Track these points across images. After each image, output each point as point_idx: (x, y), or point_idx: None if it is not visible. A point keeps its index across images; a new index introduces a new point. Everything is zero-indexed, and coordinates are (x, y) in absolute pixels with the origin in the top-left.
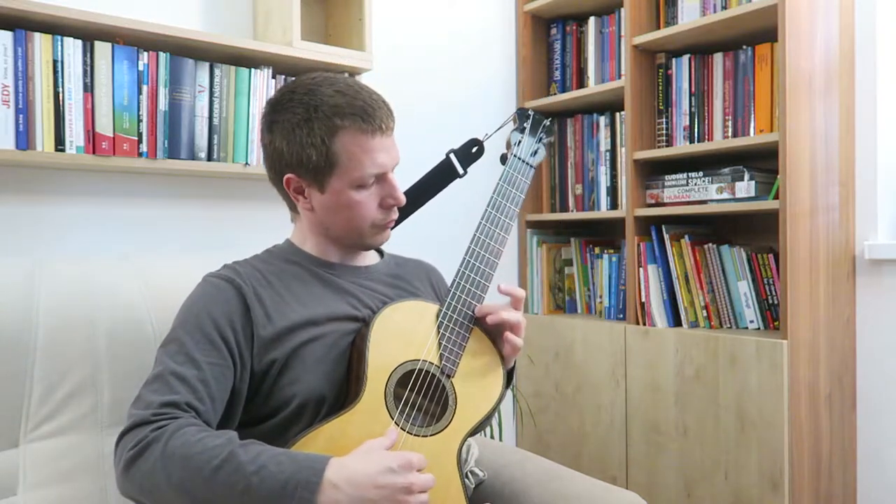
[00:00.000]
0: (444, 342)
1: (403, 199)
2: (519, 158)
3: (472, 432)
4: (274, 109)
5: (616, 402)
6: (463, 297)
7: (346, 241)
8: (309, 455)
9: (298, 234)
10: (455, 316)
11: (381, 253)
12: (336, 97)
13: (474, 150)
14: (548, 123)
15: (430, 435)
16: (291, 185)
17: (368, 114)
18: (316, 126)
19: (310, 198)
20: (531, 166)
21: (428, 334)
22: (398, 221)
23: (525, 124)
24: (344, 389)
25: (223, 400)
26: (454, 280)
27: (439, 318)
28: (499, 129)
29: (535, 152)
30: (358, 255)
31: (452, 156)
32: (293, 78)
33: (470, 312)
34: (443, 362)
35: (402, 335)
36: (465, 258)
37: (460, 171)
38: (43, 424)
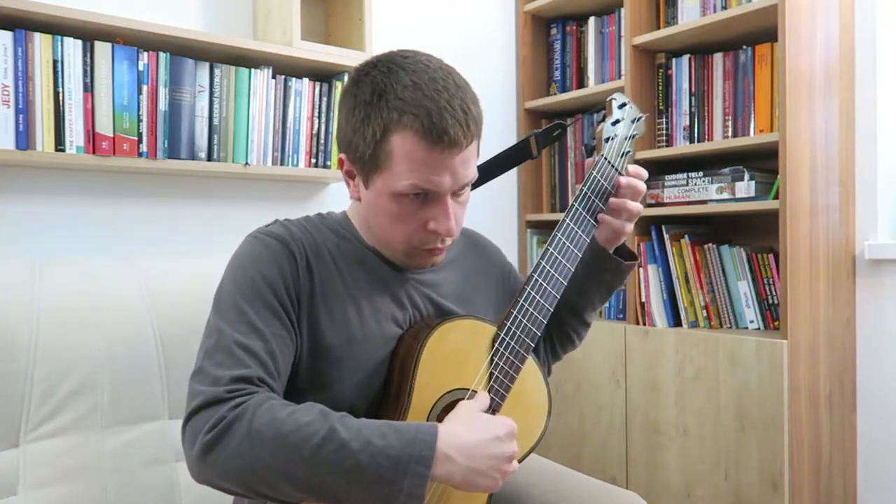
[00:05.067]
0: (495, 372)
1: (452, 232)
2: (608, 161)
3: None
4: (353, 78)
5: (616, 402)
6: (524, 321)
7: (385, 250)
8: (412, 425)
9: (355, 213)
10: (512, 343)
11: None
12: (408, 90)
13: (555, 133)
14: (643, 118)
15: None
16: (344, 166)
17: (435, 122)
18: (373, 115)
19: (357, 187)
20: (620, 172)
21: (480, 361)
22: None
23: (621, 116)
24: (377, 402)
25: (288, 374)
26: (517, 300)
27: (495, 345)
28: (585, 115)
29: (625, 154)
30: None
31: (533, 139)
32: (293, 78)
33: (528, 340)
34: (490, 395)
35: (454, 360)
36: (533, 276)
37: (534, 152)
38: (43, 424)
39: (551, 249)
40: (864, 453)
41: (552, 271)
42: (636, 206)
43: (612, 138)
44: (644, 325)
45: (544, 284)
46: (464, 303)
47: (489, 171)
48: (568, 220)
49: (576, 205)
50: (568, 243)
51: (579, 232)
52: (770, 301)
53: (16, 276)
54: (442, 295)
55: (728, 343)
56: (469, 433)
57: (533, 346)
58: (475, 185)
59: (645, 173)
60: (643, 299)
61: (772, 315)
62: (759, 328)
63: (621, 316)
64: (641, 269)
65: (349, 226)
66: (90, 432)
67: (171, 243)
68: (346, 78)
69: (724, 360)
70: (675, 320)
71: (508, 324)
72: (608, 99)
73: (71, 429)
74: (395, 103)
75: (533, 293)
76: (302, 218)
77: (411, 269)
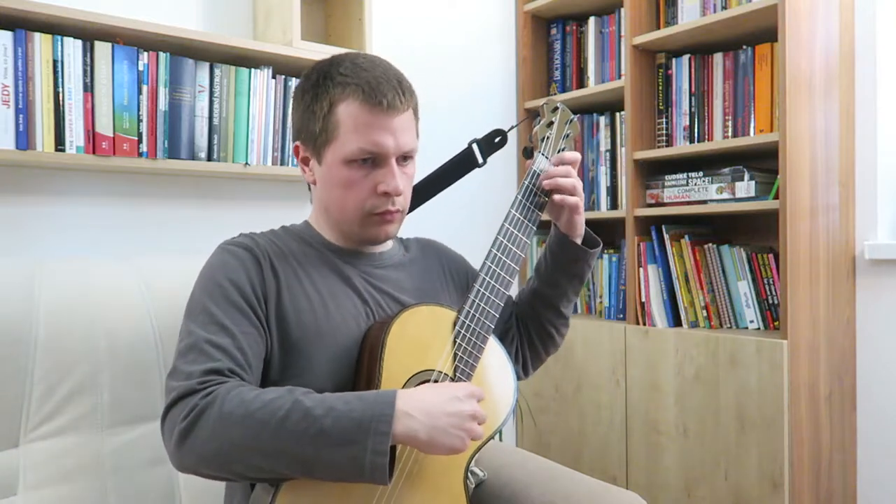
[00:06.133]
0: (459, 352)
1: (399, 189)
2: (546, 157)
3: (480, 447)
4: (302, 78)
5: (616, 402)
6: (481, 304)
7: (343, 227)
8: (373, 392)
9: (314, 214)
10: (472, 325)
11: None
12: (348, 68)
13: (497, 140)
14: (574, 119)
15: (426, 453)
16: (299, 153)
17: (373, 88)
18: (320, 93)
19: (312, 169)
20: None
21: (444, 343)
22: (412, 207)
23: (553, 118)
24: (349, 391)
25: (260, 369)
26: (473, 286)
27: (456, 327)
28: (522, 120)
29: (561, 150)
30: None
31: (475, 145)
32: (293, 78)
33: (487, 322)
34: (457, 374)
35: (418, 343)
36: (485, 263)
37: (480, 160)
38: (43, 424)
39: (500, 237)
40: (864, 453)
41: (503, 257)
42: (552, 182)
43: (548, 138)
44: (644, 325)
45: (497, 270)
46: (424, 297)
47: (436, 182)
48: (513, 211)
49: (519, 196)
50: (516, 231)
51: (526, 221)
52: (770, 301)
53: (16, 276)
54: (401, 290)
55: (728, 343)
56: (427, 394)
57: (493, 326)
58: (427, 196)
59: (569, 155)
60: (643, 299)
61: (772, 315)
62: (759, 328)
63: (621, 316)
64: (641, 269)
65: (310, 230)
66: (90, 432)
67: (172, 243)
68: None
69: (724, 360)
70: (675, 320)
71: (467, 307)
72: (542, 104)
73: (71, 429)
74: (339, 79)
75: (487, 278)
76: (267, 231)
77: (374, 264)
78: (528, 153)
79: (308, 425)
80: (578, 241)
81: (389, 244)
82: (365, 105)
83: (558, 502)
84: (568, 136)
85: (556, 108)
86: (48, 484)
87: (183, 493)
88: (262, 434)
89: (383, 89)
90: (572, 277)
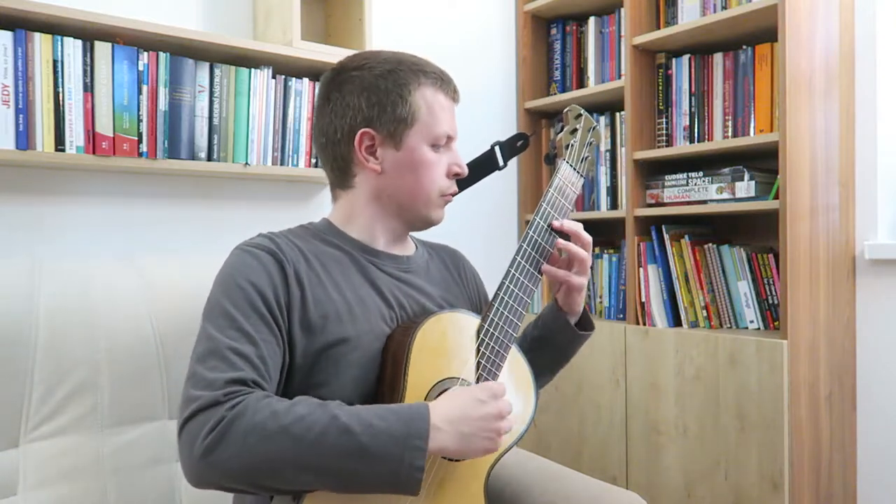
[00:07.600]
0: (482, 361)
1: (466, 170)
2: (570, 165)
3: (501, 456)
4: (343, 71)
5: (616, 402)
6: (504, 312)
7: (406, 212)
8: (405, 406)
9: (341, 213)
10: (495, 333)
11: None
12: (413, 58)
13: (519, 143)
14: (597, 127)
15: (460, 459)
16: (364, 142)
17: (445, 79)
18: (401, 77)
19: (381, 158)
20: (581, 175)
21: (468, 351)
22: None
23: (577, 125)
24: (372, 397)
25: (277, 379)
26: (497, 294)
27: (480, 335)
28: (546, 127)
29: (584, 159)
30: (401, 242)
31: (497, 148)
32: (293, 78)
33: (510, 330)
34: (480, 382)
35: (443, 350)
36: (509, 270)
37: (501, 163)
38: (43, 424)
39: (524, 245)
40: (864, 453)
41: (525, 264)
42: (570, 246)
43: (572, 145)
44: (644, 325)
45: (520, 276)
46: (446, 305)
47: (458, 183)
48: (538, 219)
49: (544, 204)
50: (539, 239)
51: (544, 225)
52: (770, 301)
53: (16, 276)
54: (426, 296)
55: (728, 343)
56: (452, 402)
57: (515, 335)
58: None
59: (583, 235)
60: (643, 299)
61: (772, 315)
62: (759, 328)
63: (621, 316)
64: (641, 269)
65: (334, 230)
66: (90, 432)
67: (171, 243)
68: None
69: (724, 360)
70: (675, 320)
71: (491, 315)
72: (565, 110)
73: (71, 429)
74: (415, 66)
75: (510, 285)
76: (285, 230)
77: (402, 268)
78: (549, 160)
79: (347, 441)
80: (573, 319)
81: (413, 248)
82: (440, 91)
83: (558, 502)
84: (591, 143)
85: (579, 115)
86: (48, 484)
87: (183, 493)
88: (299, 449)
89: (449, 79)
90: (552, 347)
